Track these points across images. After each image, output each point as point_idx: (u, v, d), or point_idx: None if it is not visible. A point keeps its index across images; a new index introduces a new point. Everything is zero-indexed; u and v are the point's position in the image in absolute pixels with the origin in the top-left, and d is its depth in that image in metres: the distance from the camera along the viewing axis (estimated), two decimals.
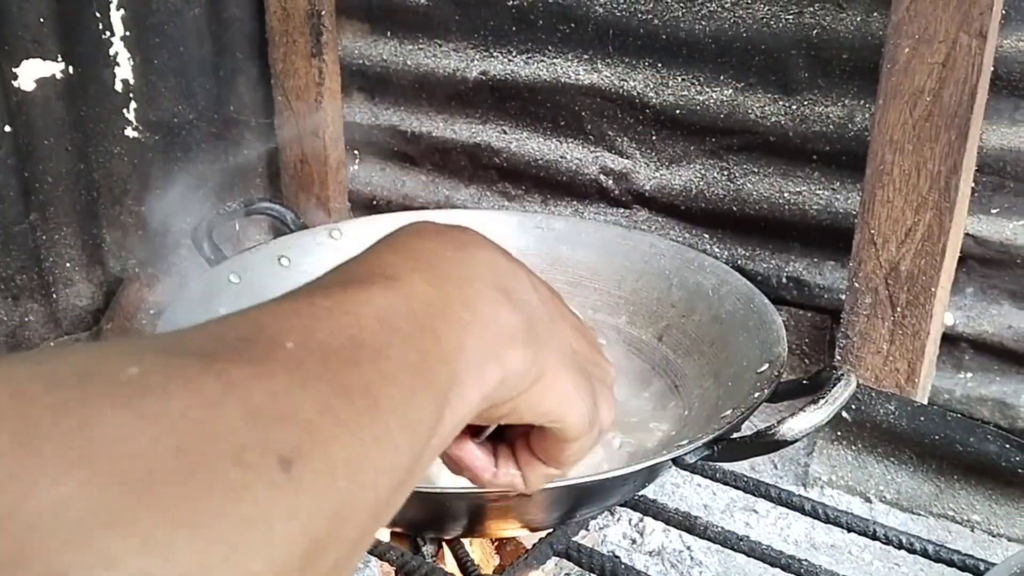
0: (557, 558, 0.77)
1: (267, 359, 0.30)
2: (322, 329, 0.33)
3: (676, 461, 0.71)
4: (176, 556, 0.23)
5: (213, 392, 0.27)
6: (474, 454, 0.51)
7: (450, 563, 0.78)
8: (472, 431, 0.50)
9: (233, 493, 0.25)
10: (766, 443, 0.69)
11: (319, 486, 0.28)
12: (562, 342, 0.47)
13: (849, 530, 0.75)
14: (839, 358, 1.19)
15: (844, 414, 1.17)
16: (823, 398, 0.70)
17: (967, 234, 1.17)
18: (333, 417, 0.30)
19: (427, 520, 0.75)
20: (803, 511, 0.77)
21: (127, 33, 1.50)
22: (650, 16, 1.32)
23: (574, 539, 0.76)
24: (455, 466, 0.52)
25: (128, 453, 0.24)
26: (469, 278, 0.41)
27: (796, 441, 0.69)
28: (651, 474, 0.76)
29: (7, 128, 1.37)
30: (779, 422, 0.68)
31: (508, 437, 0.51)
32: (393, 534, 0.81)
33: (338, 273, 0.38)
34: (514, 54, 1.45)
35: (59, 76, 1.43)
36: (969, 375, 1.24)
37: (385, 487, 0.32)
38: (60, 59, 1.42)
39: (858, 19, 1.18)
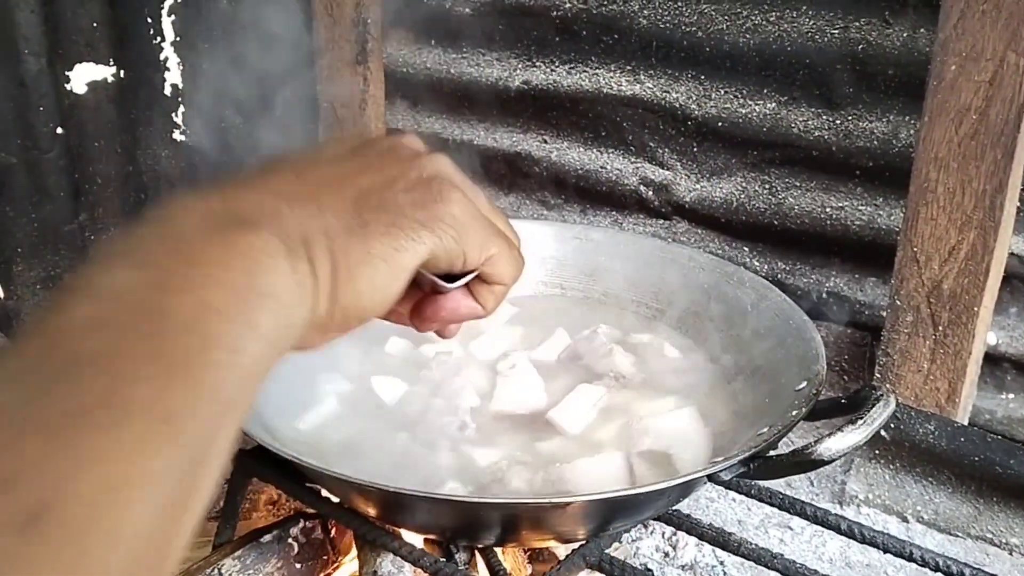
0: (589, 570, 0.77)
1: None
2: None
3: (711, 477, 0.71)
4: None
5: None
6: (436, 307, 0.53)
7: (482, 571, 0.79)
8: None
9: None
10: (802, 462, 0.69)
11: (67, 539, 0.27)
12: (335, 203, 0.43)
13: (885, 551, 0.75)
14: (879, 376, 1.18)
15: (883, 433, 1.16)
16: (862, 418, 0.69)
17: (1012, 253, 1.15)
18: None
19: (461, 528, 0.76)
20: (839, 530, 0.76)
21: (177, 38, 1.53)
22: (694, 28, 1.32)
23: (606, 551, 0.77)
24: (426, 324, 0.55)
25: None
26: (177, 234, 0.38)
27: (833, 461, 0.68)
28: (686, 490, 0.76)
29: (59, 130, 1.40)
30: (816, 441, 0.68)
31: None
32: (426, 540, 0.82)
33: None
34: (557, 64, 1.46)
35: (111, 80, 1.46)
36: (1011, 396, 1.23)
37: (170, 484, 0.30)
38: (112, 63, 1.45)
39: (905, 35, 1.17)
